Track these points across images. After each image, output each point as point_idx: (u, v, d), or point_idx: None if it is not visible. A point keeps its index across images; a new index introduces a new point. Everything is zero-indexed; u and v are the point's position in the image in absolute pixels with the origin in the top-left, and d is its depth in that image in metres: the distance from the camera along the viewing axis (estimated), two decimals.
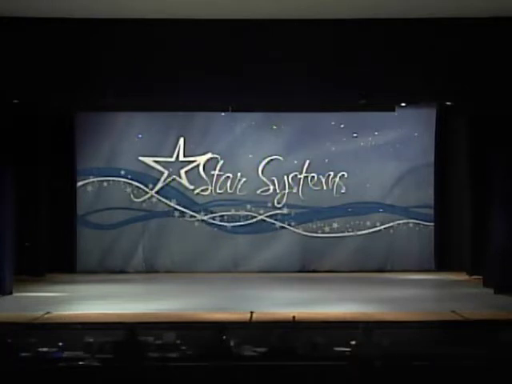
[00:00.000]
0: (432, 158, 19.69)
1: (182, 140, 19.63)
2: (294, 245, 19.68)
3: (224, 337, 9.38)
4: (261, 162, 19.66)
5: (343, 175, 19.69)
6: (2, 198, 15.69)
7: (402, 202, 19.73)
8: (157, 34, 13.84)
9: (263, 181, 19.67)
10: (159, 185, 19.65)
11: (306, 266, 19.60)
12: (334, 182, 19.70)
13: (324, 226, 19.71)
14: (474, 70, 14.04)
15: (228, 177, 19.67)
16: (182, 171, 19.62)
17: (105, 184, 19.61)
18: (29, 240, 17.91)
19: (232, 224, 19.68)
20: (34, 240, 18.18)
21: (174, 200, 19.68)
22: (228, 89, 14.38)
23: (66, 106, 18.40)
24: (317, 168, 19.68)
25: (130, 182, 19.61)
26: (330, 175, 19.70)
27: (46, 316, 12.68)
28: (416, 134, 19.77)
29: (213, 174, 19.67)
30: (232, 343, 9.47)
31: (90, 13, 13.48)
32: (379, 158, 19.72)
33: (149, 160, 19.62)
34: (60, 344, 9.75)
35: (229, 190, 19.65)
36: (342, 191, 19.71)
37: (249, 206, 19.72)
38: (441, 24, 13.81)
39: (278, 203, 19.73)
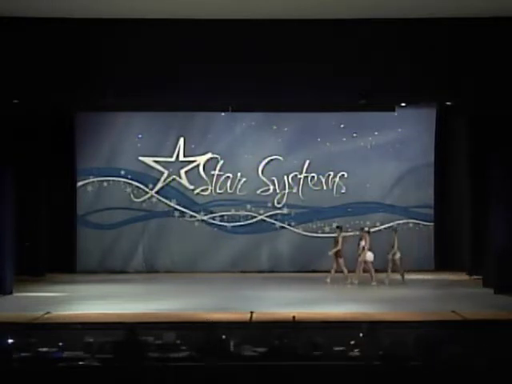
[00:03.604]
0: (432, 158, 19.71)
1: (181, 140, 19.64)
2: (294, 245, 19.70)
3: (223, 336, 9.37)
4: (261, 162, 19.68)
5: (343, 175, 19.70)
6: (2, 198, 15.69)
7: (402, 201, 19.75)
8: (157, 34, 13.85)
9: (263, 181, 19.68)
10: (159, 185, 19.66)
11: (306, 266, 19.61)
12: (334, 182, 19.71)
13: (324, 226, 19.72)
14: (474, 70, 14.05)
15: (228, 177, 19.67)
16: (182, 171, 19.63)
17: (105, 184, 19.61)
18: (29, 240, 17.91)
19: (232, 224, 19.69)
20: (34, 240, 18.19)
21: (174, 200, 19.68)
22: (228, 89, 14.38)
23: (66, 106, 18.43)
24: (317, 168, 19.69)
25: (130, 181, 19.61)
26: (330, 175, 19.72)
27: (46, 316, 12.67)
28: (416, 134, 19.78)
29: (213, 174, 19.68)
30: (232, 343, 9.46)
31: (90, 13, 13.50)
32: (379, 157, 19.73)
33: (149, 160, 19.62)
34: (60, 344, 9.73)
35: (229, 190, 19.66)
36: (342, 191, 19.73)
37: (249, 206, 19.72)
38: (441, 24, 13.83)
39: (278, 203, 19.73)
